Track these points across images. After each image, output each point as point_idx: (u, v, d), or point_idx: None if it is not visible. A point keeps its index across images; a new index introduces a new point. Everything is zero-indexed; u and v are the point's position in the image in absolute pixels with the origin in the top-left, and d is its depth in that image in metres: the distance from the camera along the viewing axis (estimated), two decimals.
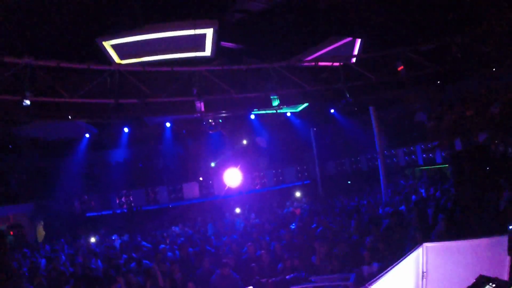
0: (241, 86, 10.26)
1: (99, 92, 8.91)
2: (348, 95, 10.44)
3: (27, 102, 7.90)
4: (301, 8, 10.56)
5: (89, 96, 8.85)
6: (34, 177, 18.62)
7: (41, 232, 17.96)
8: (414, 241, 9.65)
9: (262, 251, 9.45)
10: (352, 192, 18.87)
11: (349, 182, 21.51)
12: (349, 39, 12.95)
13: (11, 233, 16.98)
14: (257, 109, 12.75)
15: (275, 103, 10.10)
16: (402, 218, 11.09)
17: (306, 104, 17.19)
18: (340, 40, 12.96)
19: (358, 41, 13.16)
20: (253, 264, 8.99)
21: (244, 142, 20.68)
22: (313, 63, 10.76)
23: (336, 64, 10.78)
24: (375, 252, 8.91)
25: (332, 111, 20.90)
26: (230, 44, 11.89)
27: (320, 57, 12.27)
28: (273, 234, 11.57)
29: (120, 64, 9.19)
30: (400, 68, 10.75)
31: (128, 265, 10.18)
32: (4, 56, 7.77)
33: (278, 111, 11.33)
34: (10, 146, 17.97)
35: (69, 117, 9.59)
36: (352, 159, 21.47)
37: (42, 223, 18.01)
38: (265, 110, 12.26)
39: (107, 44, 9.67)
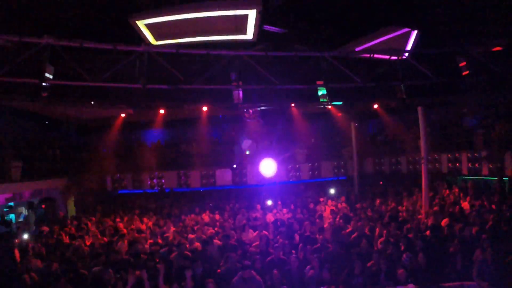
0: (285, 76, 9.37)
1: (125, 75, 8.30)
2: (405, 96, 9.36)
3: (46, 85, 7.42)
4: None
5: (114, 79, 8.26)
6: (68, 153, 18.78)
7: (72, 207, 18.05)
8: (454, 263, 8.70)
9: (292, 255, 8.78)
10: (388, 195, 17.72)
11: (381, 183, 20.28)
12: (404, 30, 11.88)
13: (43, 206, 17.18)
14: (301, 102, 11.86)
15: (322, 94, 9.14)
16: (443, 235, 10.13)
17: None
18: (394, 31, 11.92)
19: (414, 34, 12.07)
20: (276, 270, 8.29)
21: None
22: (368, 55, 9.71)
23: (394, 58, 9.67)
24: (413, 272, 8.07)
25: (375, 106, 19.79)
26: (273, 28, 11.06)
27: (372, 48, 11.27)
28: (304, 235, 10.87)
29: (150, 45, 8.53)
30: (462, 64, 9.64)
31: (156, 253, 9.86)
32: (23, 36, 7.24)
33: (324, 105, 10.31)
34: (46, 122, 18.16)
35: (91, 102, 9.07)
36: (392, 159, 20.27)
37: (74, 198, 18.07)
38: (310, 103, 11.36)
39: (141, 23, 9.02)
